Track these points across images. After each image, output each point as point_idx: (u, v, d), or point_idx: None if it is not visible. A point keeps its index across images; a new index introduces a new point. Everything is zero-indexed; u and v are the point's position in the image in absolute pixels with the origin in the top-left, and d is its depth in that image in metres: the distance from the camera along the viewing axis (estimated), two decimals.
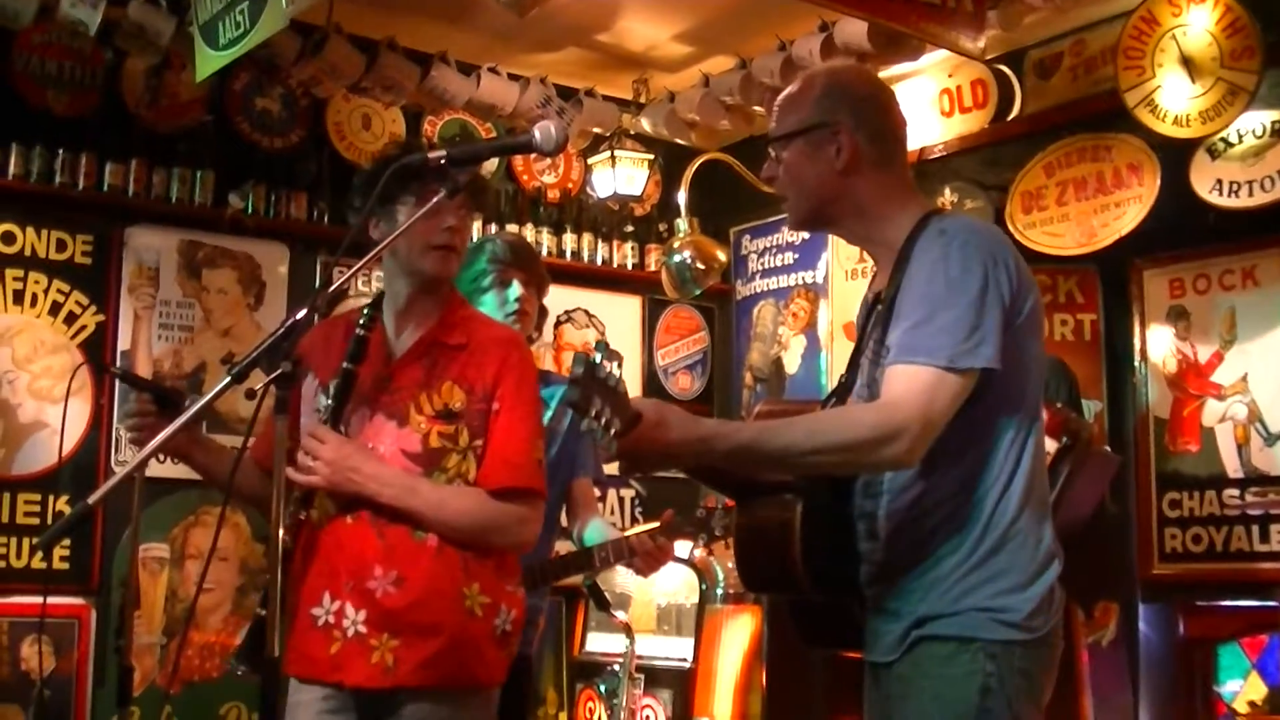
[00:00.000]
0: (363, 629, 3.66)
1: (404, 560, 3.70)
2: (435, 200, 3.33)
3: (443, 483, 3.75)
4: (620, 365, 2.84)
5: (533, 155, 7.80)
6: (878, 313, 3.20)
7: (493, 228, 7.58)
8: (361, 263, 3.28)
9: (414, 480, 3.73)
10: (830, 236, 7.77)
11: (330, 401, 3.70)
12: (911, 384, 2.93)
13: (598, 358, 2.76)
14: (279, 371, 2.89)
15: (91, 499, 2.83)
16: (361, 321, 3.71)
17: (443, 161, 3.26)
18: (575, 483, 5.10)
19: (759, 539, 3.24)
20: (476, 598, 3.78)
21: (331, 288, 3.16)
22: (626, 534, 4.98)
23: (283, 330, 2.95)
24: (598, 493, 6.41)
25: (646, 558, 4.88)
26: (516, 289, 4.80)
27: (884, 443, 2.89)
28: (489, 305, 4.73)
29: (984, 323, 2.95)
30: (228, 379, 2.91)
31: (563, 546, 5.17)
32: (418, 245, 3.78)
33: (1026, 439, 3.08)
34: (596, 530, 5.04)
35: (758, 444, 2.98)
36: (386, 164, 3.51)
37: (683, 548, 5.49)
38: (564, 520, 5.16)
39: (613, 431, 2.83)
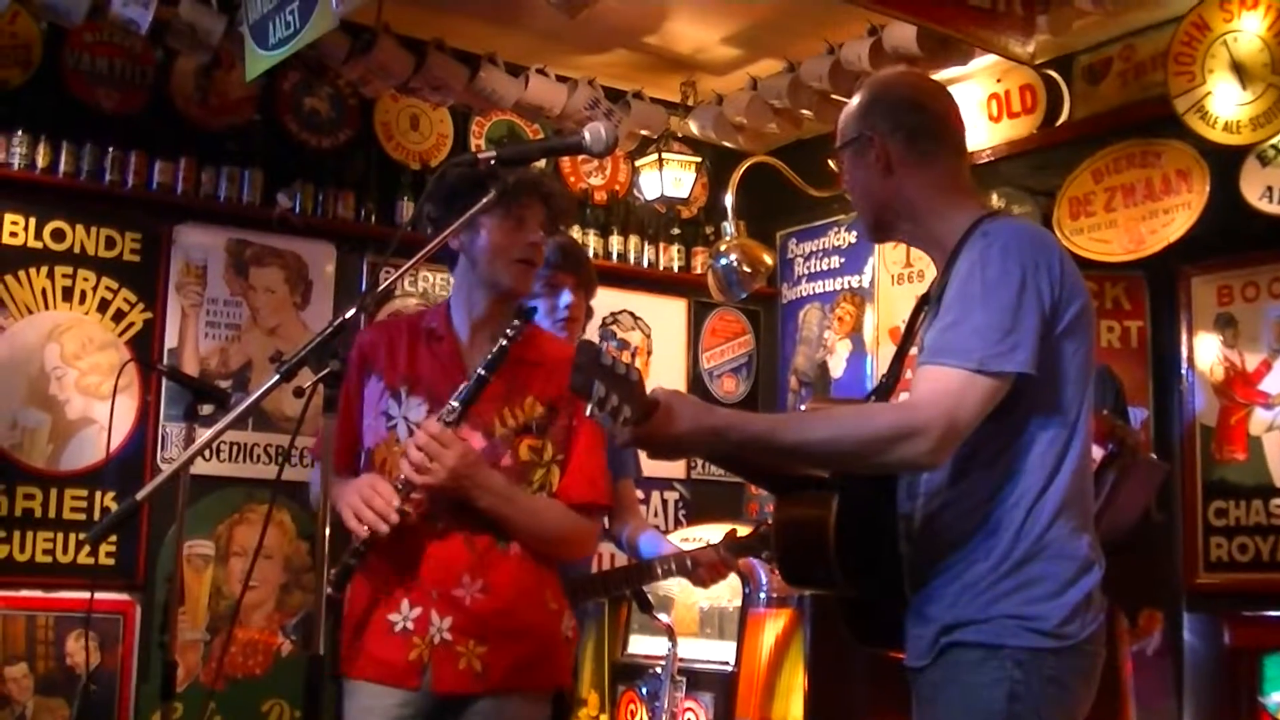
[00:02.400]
0: (448, 635, 3.70)
1: (491, 568, 3.77)
2: (484, 201, 3.34)
3: (530, 494, 3.84)
4: (634, 354, 2.86)
5: (581, 157, 7.85)
6: (926, 311, 3.22)
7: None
8: (412, 261, 3.29)
9: (512, 489, 3.80)
10: None
11: (457, 405, 3.69)
12: (938, 385, 2.93)
13: (602, 345, 2.77)
14: (327, 370, 2.90)
15: (139, 495, 2.85)
16: (510, 333, 3.71)
17: (491, 162, 3.27)
18: (617, 485, 5.09)
19: (797, 534, 3.25)
20: (550, 604, 3.89)
21: (380, 288, 3.17)
22: (689, 550, 4.97)
23: (331, 329, 2.95)
24: (640, 495, 6.38)
25: (710, 569, 4.88)
26: (567, 296, 4.80)
27: (902, 441, 2.89)
28: (539, 310, 4.72)
29: (1019, 327, 2.94)
30: (276, 376, 2.93)
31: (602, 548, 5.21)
32: (501, 258, 3.83)
33: (1066, 447, 3.06)
34: (651, 541, 5.05)
35: (772, 435, 2.99)
36: (464, 170, 3.54)
37: None
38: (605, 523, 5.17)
39: (622, 419, 2.82)
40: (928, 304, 3.24)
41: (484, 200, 3.35)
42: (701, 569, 4.87)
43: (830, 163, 3.42)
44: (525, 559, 3.83)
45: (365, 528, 3.62)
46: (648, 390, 2.89)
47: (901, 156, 3.25)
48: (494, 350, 3.70)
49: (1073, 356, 3.07)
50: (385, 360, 3.88)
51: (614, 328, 7.84)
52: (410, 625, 3.71)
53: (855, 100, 3.40)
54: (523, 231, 3.81)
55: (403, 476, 3.65)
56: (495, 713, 3.76)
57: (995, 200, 7.06)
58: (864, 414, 3.16)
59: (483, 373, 3.69)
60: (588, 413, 2.83)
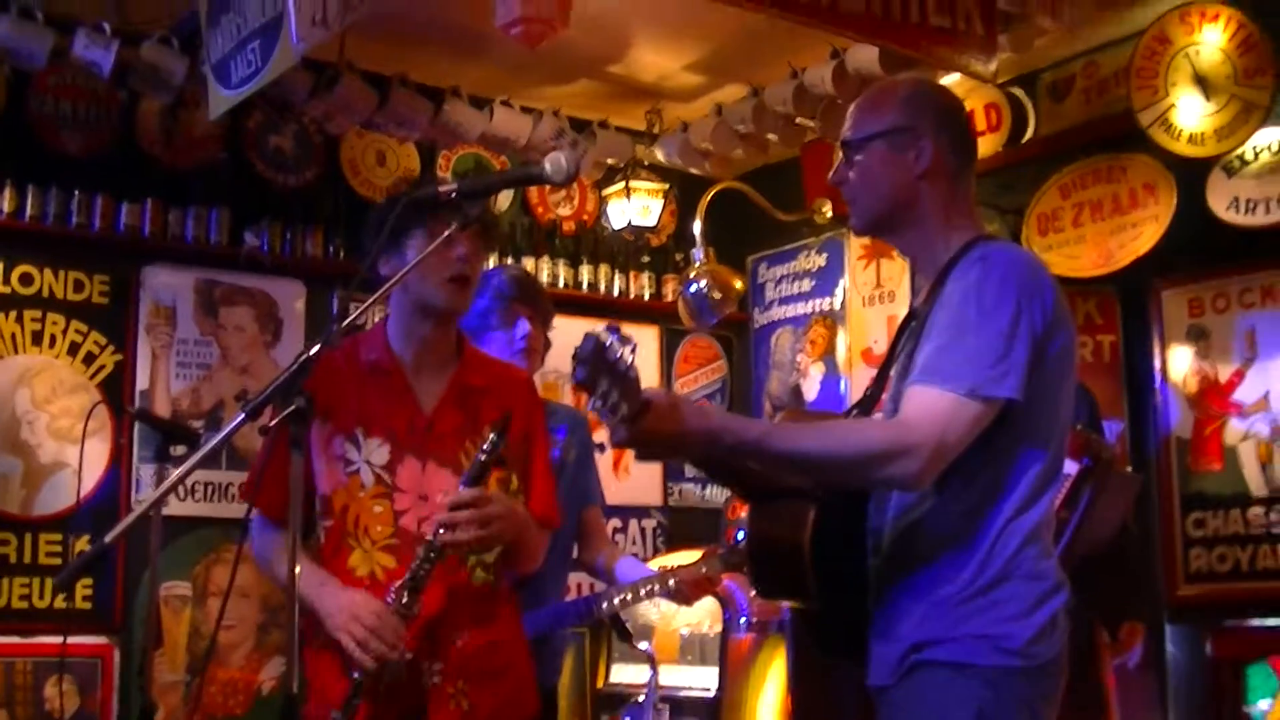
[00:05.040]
0: (438, 679, 3.67)
1: (472, 606, 3.74)
2: (448, 233, 3.32)
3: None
4: (634, 351, 2.83)
5: (547, 187, 7.85)
6: (911, 328, 3.21)
7: (508, 260, 7.59)
8: (375, 298, 3.28)
9: (524, 515, 3.83)
10: (846, 262, 7.81)
11: (483, 458, 3.64)
12: (930, 407, 2.92)
13: (608, 340, 2.74)
14: (292, 407, 2.88)
15: (108, 537, 2.82)
16: (487, 448, 3.64)
17: (453, 195, 3.26)
18: (586, 513, 5.10)
19: (772, 544, 3.24)
20: (522, 637, 3.94)
21: (346, 322, 3.14)
22: (670, 570, 4.97)
23: (296, 366, 2.93)
24: (618, 522, 6.35)
25: (693, 585, 4.89)
26: (524, 327, 4.79)
27: (892, 460, 2.89)
28: (496, 342, 4.72)
29: (1011, 354, 2.94)
30: (241, 415, 2.90)
31: (574, 578, 5.20)
32: (431, 278, 3.74)
33: (1047, 475, 3.06)
34: (629, 567, 5.05)
35: (766, 442, 2.97)
36: (397, 201, 3.50)
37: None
38: (574, 551, 5.16)
39: (620, 415, 2.80)
40: (914, 319, 3.23)
41: (446, 233, 3.33)
42: (685, 585, 4.87)
43: (839, 148, 3.36)
44: (510, 594, 3.88)
45: (369, 658, 3.54)
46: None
47: (942, 160, 3.21)
48: (473, 466, 3.65)
49: (1056, 387, 3.08)
50: (332, 399, 3.74)
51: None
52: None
53: (885, 91, 3.38)
54: (450, 249, 3.69)
55: (397, 596, 3.58)
56: None
57: None
58: (857, 429, 3.16)
59: (463, 487, 3.63)
60: (590, 407, 2.80)
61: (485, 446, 3.63)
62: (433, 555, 3.57)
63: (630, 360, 2.80)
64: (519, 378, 4.15)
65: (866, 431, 3.09)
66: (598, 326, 2.79)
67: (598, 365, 2.74)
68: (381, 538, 3.71)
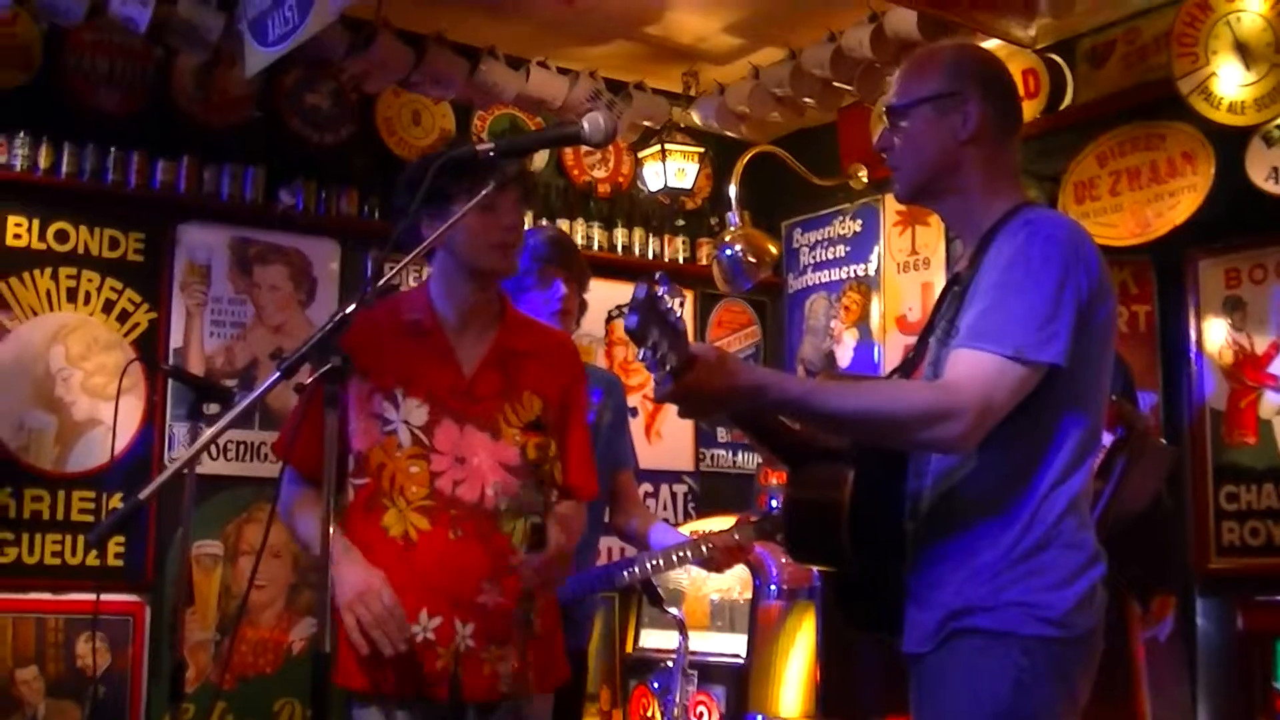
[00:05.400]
0: (472, 643, 3.68)
1: (507, 571, 3.74)
2: (484, 193, 3.30)
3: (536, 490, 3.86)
4: (683, 303, 2.80)
5: (583, 149, 7.84)
6: (953, 294, 3.19)
7: (543, 222, 7.59)
8: (411, 256, 3.28)
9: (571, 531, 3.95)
10: (882, 229, 7.78)
11: None
12: (974, 369, 2.91)
13: (660, 290, 2.72)
14: (328, 365, 2.87)
15: (142, 494, 2.83)
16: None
17: (491, 154, 3.25)
18: (618, 477, 5.10)
19: (808, 506, 3.23)
20: (552, 603, 3.94)
21: (381, 282, 3.14)
22: (702, 536, 4.97)
23: (332, 324, 2.93)
24: (649, 487, 6.34)
25: (725, 553, 4.88)
26: (560, 288, 4.79)
27: (936, 422, 2.88)
28: (531, 303, 4.73)
29: (1057, 319, 2.92)
30: (276, 374, 2.90)
31: (606, 542, 5.20)
32: (479, 243, 3.76)
33: (1087, 444, 3.05)
34: (662, 533, 5.05)
35: (811, 399, 2.97)
36: (431, 161, 3.48)
37: None
38: (605, 515, 5.16)
39: (668, 367, 2.78)
40: (957, 284, 3.21)
41: (483, 193, 3.32)
42: (717, 552, 4.87)
43: (882, 114, 3.34)
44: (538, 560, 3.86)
45: (364, 644, 3.56)
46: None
47: (988, 125, 3.19)
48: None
49: (1099, 355, 3.06)
50: (371, 358, 3.74)
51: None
52: (432, 635, 3.65)
53: (929, 56, 3.36)
54: (497, 215, 3.74)
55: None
56: (517, 715, 3.77)
57: None
58: (902, 390, 3.14)
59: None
60: (639, 357, 2.78)
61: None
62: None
63: (679, 313, 2.77)
64: (564, 342, 4.14)
65: (911, 392, 3.08)
66: (653, 276, 2.75)
67: (649, 314, 2.71)
68: (417, 498, 3.71)
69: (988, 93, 3.21)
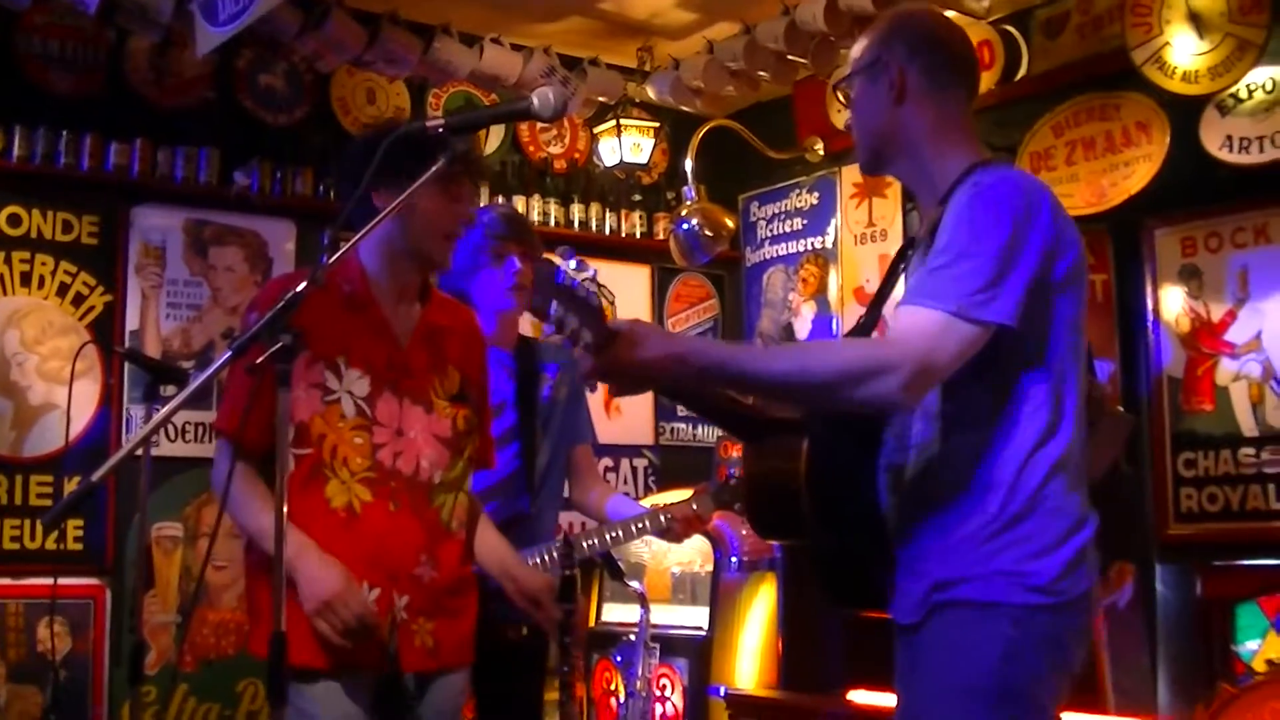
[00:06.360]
0: (404, 615, 3.70)
1: (438, 544, 3.79)
2: (435, 168, 3.28)
3: (464, 464, 3.95)
4: (595, 279, 2.78)
5: (538, 125, 7.82)
6: (909, 257, 3.18)
7: (499, 199, 7.58)
8: (363, 232, 3.25)
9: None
10: (838, 201, 7.79)
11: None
12: (914, 325, 2.87)
13: (568, 266, 2.70)
14: (279, 344, 2.86)
15: (95, 475, 2.81)
16: (567, 566, 4.13)
17: (441, 130, 3.23)
18: (575, 451, 5.10)
19: (766, 480, 3.22)
20: (473, 579, 4.00)
21: (333, 259, 3.11)
22: (661, 508, 4.98)
23: (283, 304, 2.91)
24: (609, 461, 6.31)
25: (684, 523, 4.90)
26: (515, 264, 4.78)
27: (870, 377, 2.80)
28: (487, 280, 4.73)
29: (1005, 278, 2.87)
30: (228, 353, 2.89)
31: (565, 517, 5.21)
32: (433, 229, 3.80)
33: (1060, 402, 3.00)
34: (620, 504, 5.06)
35: (734, 362, 2.92)
36: (379, 136, 3.45)
37: None
38: (564, 490, 5.16)
39: (584, 344, 2.77)
40: (912, 248, 3.20)
41: (434, 167, 3.30)
42: (675, 523, 4.89)
43: (837, 92, 3.36)
44: (463, 535, 3.93)
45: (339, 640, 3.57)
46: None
47: (915, 86, 3.18)
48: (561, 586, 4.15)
49: (1065, 309, 3.02)
50: (314, 326, 3.58)
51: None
52: (372, 608, 3.64)
53: (871, 29, 3.35)
54: (457, 205, 3.81)
55: None
56: (448, 688, 3.83)
57: None
58: (835, 347, 3.14)
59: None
60: (551, 337, 2.77)
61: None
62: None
63: (590, 287, 2.75)
64: (472, 319, 4.18)
65: (846, 349, 3.06)
66: (556, 250, 2.73)
67: (548, 290, 2.70)
68: (360, 469, 3.71)
69: (913, 52, 3.20)
